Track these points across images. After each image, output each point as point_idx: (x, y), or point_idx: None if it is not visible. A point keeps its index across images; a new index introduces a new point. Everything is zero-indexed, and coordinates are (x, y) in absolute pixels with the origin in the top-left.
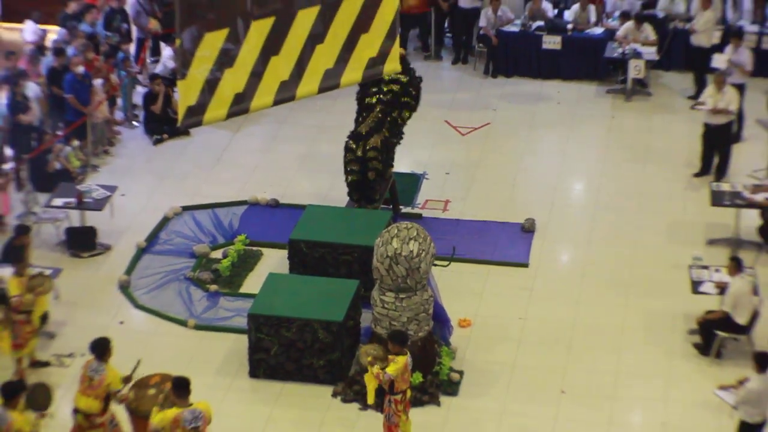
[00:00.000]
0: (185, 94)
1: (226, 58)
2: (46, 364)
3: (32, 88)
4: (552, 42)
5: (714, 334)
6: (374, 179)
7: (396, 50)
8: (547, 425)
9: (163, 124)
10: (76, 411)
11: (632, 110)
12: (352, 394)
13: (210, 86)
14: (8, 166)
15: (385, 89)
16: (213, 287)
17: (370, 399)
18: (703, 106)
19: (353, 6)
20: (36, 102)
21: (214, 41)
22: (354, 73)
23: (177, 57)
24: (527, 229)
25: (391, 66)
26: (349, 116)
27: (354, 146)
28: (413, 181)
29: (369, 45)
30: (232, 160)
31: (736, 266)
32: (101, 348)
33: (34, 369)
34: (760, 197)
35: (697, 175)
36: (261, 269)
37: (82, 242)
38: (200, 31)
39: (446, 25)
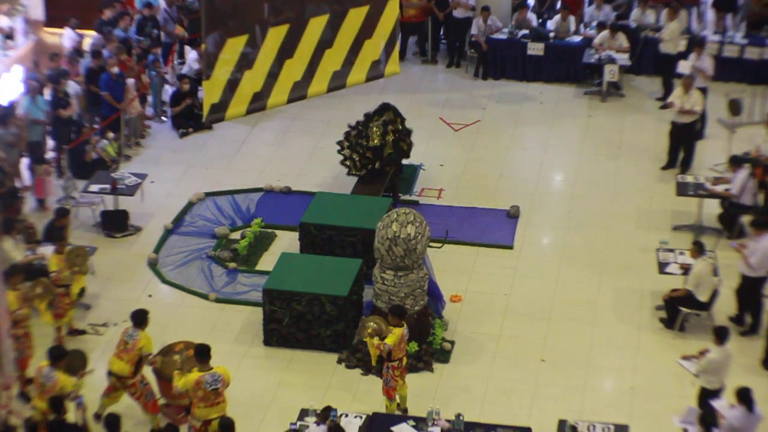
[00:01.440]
0: (210, 93)
1: (245, 61)
2: (82, 332)
3: (72, 86)
4: (536, 48)
5: (678, 310)
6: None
7: (396, 54)
8: (529, 389)
9: (189, 119)
10: (110, 373)
11: (607, 110)
12: (355, 361)
13: (231, 86)
14: (50, 155)
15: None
16: (232, 265)
17: (374, 361)
18: (672, 106)
19: (358, 15)
20: (75, 98)
21: (235, 46)
22: (358, 74)
23: (202, 60)
24: (512, 215)
25: (391, 68)
26: (354, 113)
27: (371, 156)
28: (411, 171)
29: (372, 50)
30: (250, 152)
31: (698, 249)
32: (140, 317)
33: (72, 336)
34: (720, 188)
35: (664, 168)
36: (275, 249)
37: (115, 224)
38: (223, 36)
39: (441, 32)
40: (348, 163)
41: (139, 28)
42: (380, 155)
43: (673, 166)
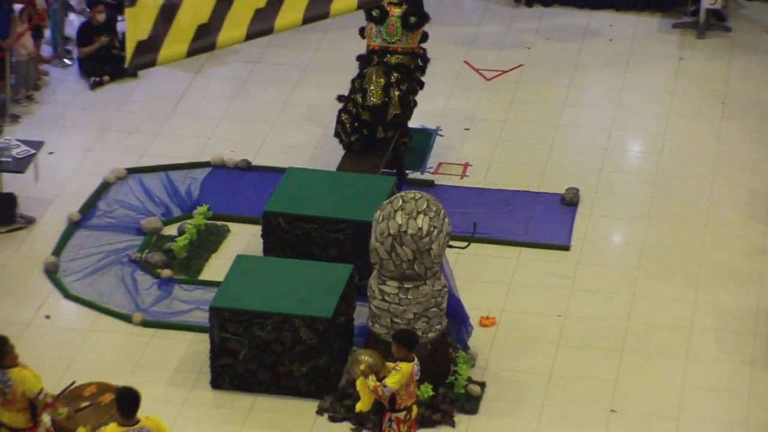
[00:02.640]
0: (135, 26)
1: None
2: None
3: None
4: None
5: None
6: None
7: None
8: None
9: (104, 63)
10: (1, 425)
11: (706, 50)
12: (343, 411)
13: (166, 15)
14: None
15: (393, 61)
16: (165, 272)
17: (362, 406)
18: None
19: None
20: None
21: None
22: None
23: None
24: (569, 202)
25: None
26: (342, 54)
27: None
28: (424, 138)
29: None
30: (192, 110)
31: None
32: None
33: None
34: None
35: None
36: (227, 250)
37: None
38: None
39: None
40: (339, 128)
41: None
42: (382, 118)
43: None
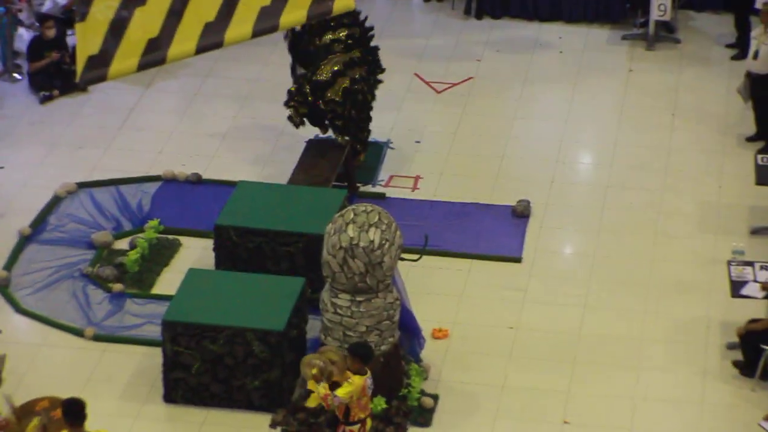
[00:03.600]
0: (85, 41)
1: None
2: None
3: None
4: None
5: (760, 349)
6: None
7: None
8: None
9: (54, 78)
10: None
11: (655, 61)
12: (297, 424)
13: (116, 30)
14: None
15: (340, 34)
16: (117, 287)
17: (311, 402)
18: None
19: None
20: None
21: None
22: (297, 11)
23: None
24: (520, 214)
25: (343, 2)
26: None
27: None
28: (375, 151)
29: None
30: (142, 124)
31: None
32: None
33: None
34: None
35: (751, 138)
36: (179, 264)
37: None
38: None
39: None
40: (290, 111)
41: None
42: (321, 94)
43: (764, 138)
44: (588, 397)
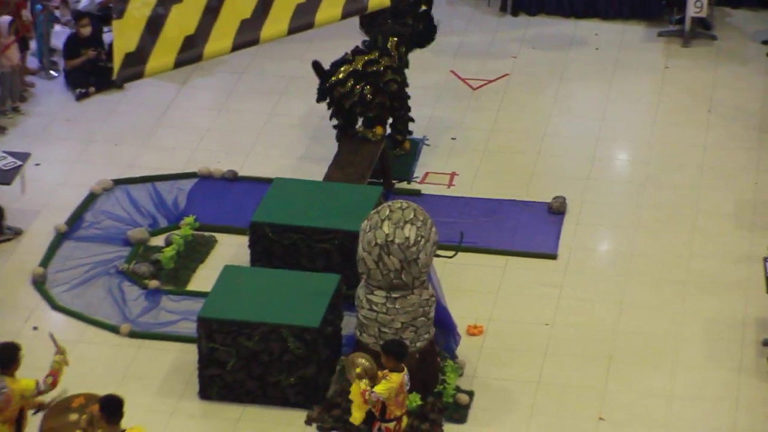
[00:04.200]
0: (122, 38)
1: None
2: None
3: None
4: None
5: None
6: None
7: None
8: None
9: (90, 75)
10: None
11: (691, 58)
12: (332, 421)
13: (153, 27)
14: None
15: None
16: (153, 283)
17: (358, 419)
18: None
19: None
20: None
21: None
22: (333, 8)
23: None
24: (556, 211)
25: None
26: (326, 64)
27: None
28: (411, 148)
29: None
30: (178, 121)
31: None
32: (6, 357)
33: None
34: None
35: None
36: (214, 261)
37: None
38: None
39: None
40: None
41: None
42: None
43: None
44: (623, 394)
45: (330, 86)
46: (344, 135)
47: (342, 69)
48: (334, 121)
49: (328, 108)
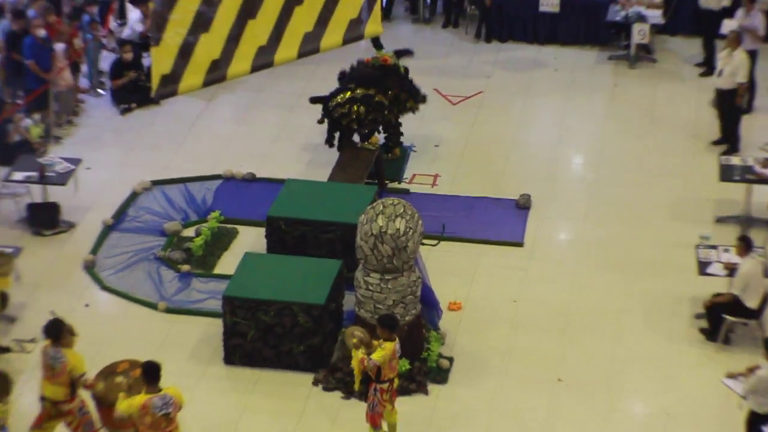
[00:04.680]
0: (159, 62)
1: (201, 22)
2: (6, 350)
3: None
4: (550, 4)
5: (722, 319)
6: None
7: (377, 11)
8: (542, 414)
9: (132, 93)
10: (43, 398)
11: (636, 78)
12: (335, 382)
13: (185, 53)
14: None
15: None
16: (185, 267)
17: (357, 385)
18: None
19: None
20: None
21: (188, 4)
22: (334, 36)
23: (149, 21)
24: (522, 206)
25: (373, 28)
26: (331, 84)
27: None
28: (400, 154)
29: (349, 6)
30: (205, 131)
31: (745, 246)
32: (54, 330)
33: None
34: None
35: (716, 142)
36: (236, 248)
37: (44, 219)
38: None
39: None
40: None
41: None
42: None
43: (726, 142)
44: (578, 358)
45: (331, 108)
46: (343, 146)
47: (340, 96)
48: (330, 135)
49: (328, 125)
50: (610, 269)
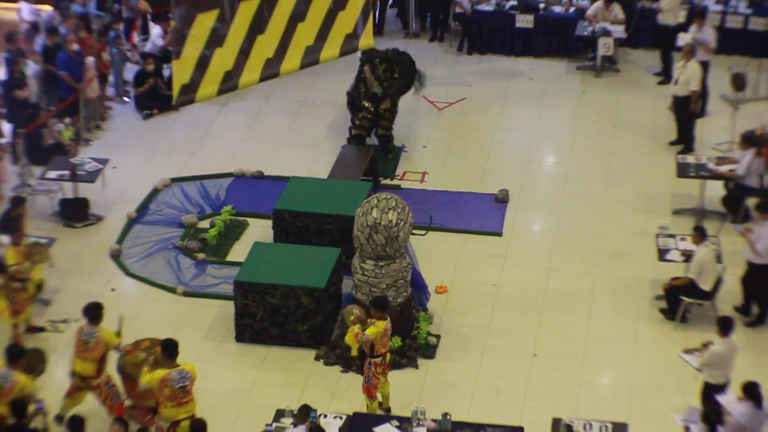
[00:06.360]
0: (179, 73)
1: (216, 38)
2: (41, 329)
3: (30, 66)
4: (525, 21)
5: (679, 300)
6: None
7: (370, 27)
8: (520, 386)
9: (153, 100)
10: (73, 373)
11: (601, 86)
12: (334, 358)
13: (201, 65)
14: (5, 140)
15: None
16: (200, 256)
17: (354, 350)
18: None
19: None
20: (33, 79)
21: (205, 21)
22: (332, 49)
23: (171, 37)
24: (501, 200)
25: (366, 41)
26: (331, 92)
27: (369, 106)
28: (393, 154)
29: (346, 22)
30: (219, 134)
31: (700, 235)
32: (94, 312)
33: (30, 334)
34: (723, 169)
35: (673, 143)
36: (246, 238)
37: (75, 213)
38: (191, 12)
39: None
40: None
41: (99, 2)
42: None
43: (682, 142)
44: (551, 335)
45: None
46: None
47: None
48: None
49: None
50: (579, 256)
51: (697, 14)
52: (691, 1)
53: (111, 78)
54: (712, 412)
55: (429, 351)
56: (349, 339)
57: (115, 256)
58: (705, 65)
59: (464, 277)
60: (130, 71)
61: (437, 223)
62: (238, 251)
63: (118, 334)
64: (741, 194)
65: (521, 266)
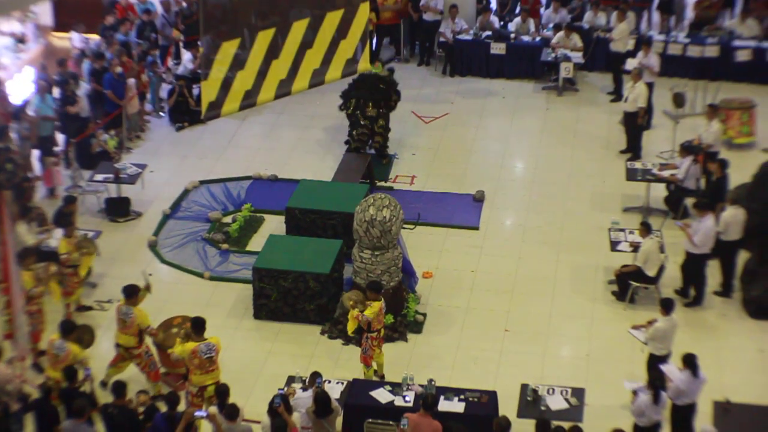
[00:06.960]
0: (207, 92)
1: (238, 62)
2: (89, 308)
3: (83, 86)
4: (498, 48)
5: (628, 284)
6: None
7: (367, 52)
8: (494, 357)
9: (185, 115)
10: (117, 345)
11: (563, 103)
12: (337, 333)
13: (226, 85)
14: (59, 148)
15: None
16: (224, 246)
17: (350, 331)
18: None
19: (335, 18)
20: (83, 97)
21: (228, 48)
22: (335, 71)
23: (200, 61)
24: (478, 199)
25: (363, 65)
26: (334, 108)
27: (366, 124)
28: (387, 161)
29: (347, 49)
30: (240, 144)
31: (646, 229)
32: (130, 291)
33: (80, 312)
34: (666, 173)
35: (623, 151)
36: (263, 231)
37: (118, 210)
38: (217, 40)
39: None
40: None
41: (138, 32)
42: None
43: (631, 151)
44: (520, 314)
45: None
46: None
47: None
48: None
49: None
50: (544, 246)
51: (643, 43)
52: (639, 32)
53: (149, 96)
54: (656, 379)
55: (417, 327)
56: (350, 324)
57: (152, 247)
58: (650, 86)
59: (447, 264)
60: (164, 90)
61: (424, 219)
62: (256, 242)
63: (147, 287)
64: (680, 195)
65: (495, 255)
